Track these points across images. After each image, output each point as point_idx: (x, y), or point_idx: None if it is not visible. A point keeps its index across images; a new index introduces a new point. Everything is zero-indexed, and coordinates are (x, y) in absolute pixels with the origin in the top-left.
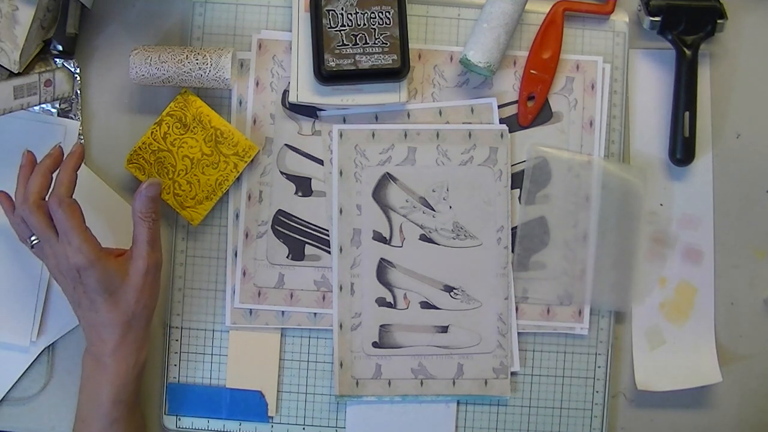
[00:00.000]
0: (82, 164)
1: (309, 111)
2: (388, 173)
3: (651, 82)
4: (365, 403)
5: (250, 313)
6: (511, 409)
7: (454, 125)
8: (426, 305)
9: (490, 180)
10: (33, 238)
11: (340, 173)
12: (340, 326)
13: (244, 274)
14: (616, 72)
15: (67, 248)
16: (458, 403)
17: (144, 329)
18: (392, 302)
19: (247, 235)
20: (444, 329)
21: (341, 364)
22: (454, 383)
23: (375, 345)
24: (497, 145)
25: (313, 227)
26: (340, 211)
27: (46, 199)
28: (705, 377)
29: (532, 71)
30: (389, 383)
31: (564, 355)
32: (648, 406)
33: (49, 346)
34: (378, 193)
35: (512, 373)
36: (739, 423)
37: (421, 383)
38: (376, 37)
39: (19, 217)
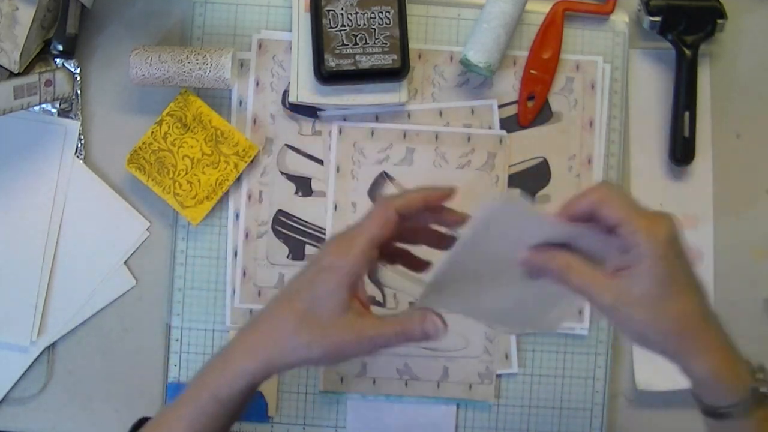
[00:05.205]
0: (82, 163)
1: (309, 111)
2: (384, 172)
3: (651, 82)
4: (365, 403)
5: (250, 313)
6: (511, 409)
7: (453, 128)
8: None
9: (486, 184)
10: None
11: (337, 170)
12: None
13: (244, 274)
14: (616, 72)
15: (351, 236)
16: (458, 403)
17: (273, 369)
18: (381, 301)
19: (247, 235)
20: None
21: None
22: (438, 385)
23: None
24: (495, 150)
25: (313, 227)
26: (335, 208)
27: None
28: None
29: (532, 71)
30: (374, 382)
31: (564, 355)
32: (648, 406)
33: (49, 346)
34: (373, 192)
35: (511, 374)
36: None
37: (406, 384)
38: (376, 37)
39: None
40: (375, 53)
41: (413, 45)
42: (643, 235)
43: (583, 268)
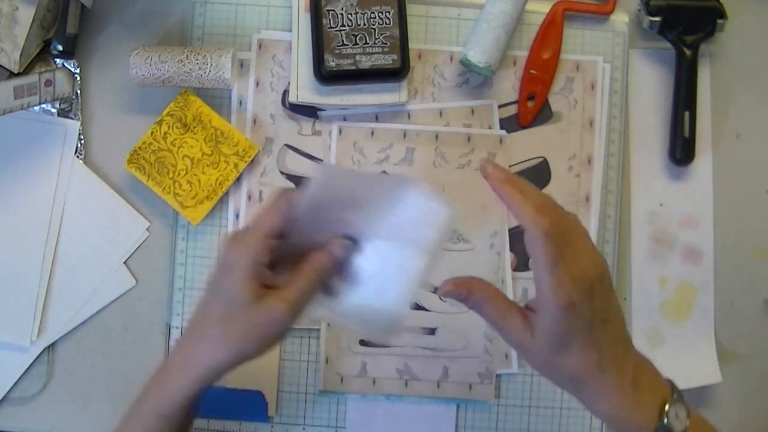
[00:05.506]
0: (82, 163)
1: (309, 111)
2: (384, 172)
3: (651, 82)
4: (365, 403)
5: None
6: (511, 409)
7: (453, 128)
8: (414, 306)
9: (486, 185)
10: None
11: None
12: (328, 323)
13: None
14: (616, 72)
15: (246, 232)
16: (458, 403)
17: (213, 376)
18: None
19: None
20: (431, 331)
21: (327, 360)
22: (438, 385)
23: (362, 343)
24: (495, 150)
25: None
26: None
27: None
28: (705, 377)
29: (532, 71)
30: (374, 382)
31: None
32: None
33: (49, 346)
34: None
35: (511, 374)
36: (739, 423)
37: (406, 384)
38: (376, 37)
39: None
40: (375, 53)
41: (413, 45)
42: (549, 288)
43: (500, 303)
